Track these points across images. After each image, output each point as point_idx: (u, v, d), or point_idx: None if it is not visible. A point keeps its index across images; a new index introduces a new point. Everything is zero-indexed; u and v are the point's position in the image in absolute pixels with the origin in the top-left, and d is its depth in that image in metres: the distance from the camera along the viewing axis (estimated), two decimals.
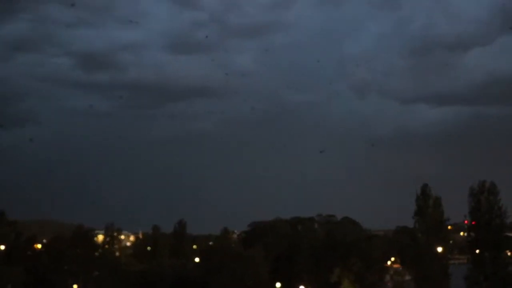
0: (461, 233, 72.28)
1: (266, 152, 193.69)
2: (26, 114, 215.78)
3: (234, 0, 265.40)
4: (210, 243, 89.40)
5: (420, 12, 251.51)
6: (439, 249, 60.92)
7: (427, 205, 61.46)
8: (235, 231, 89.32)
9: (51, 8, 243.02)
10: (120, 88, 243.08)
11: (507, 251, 62.33)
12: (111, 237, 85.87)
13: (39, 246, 77.53)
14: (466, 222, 64.30)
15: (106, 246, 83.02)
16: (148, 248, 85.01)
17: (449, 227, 69.51)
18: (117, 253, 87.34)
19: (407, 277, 63.96)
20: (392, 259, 70.67)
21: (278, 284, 62.01)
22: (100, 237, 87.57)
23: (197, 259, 77.39)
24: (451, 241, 67.92)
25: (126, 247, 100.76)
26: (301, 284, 60.48)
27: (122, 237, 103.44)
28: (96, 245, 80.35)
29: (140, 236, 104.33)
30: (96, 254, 77.15)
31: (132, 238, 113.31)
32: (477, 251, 60.57)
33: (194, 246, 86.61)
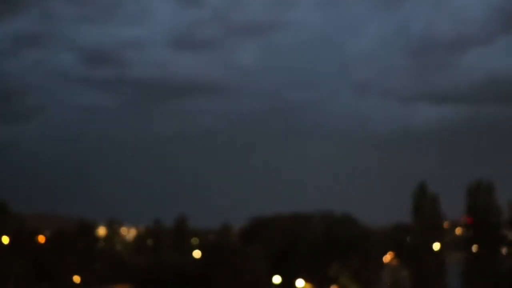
0: (458, 231, 73.20)
1: (267, 148, 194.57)
2: (31, 109, 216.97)
3: None
4: (211, 236, 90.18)
5: (421, 12, 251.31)
6: (436, 246, 61.85)
7: (424, 202, 62.34)
8: (235, 224, 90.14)
9: (57, 4, 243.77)
10: (125, 84, 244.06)
11: (503, 247, 63.20)
12: (113, 231, 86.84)
13: (42, 239, 78.47)
14: (463, 219, 65.31)
15: (107, 240, 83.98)
16: (149, 242, 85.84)
17: (446, 224, 70.44)
18: (118, 247, 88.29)
19: (404, 274, 64.81)
20: (389, 255, 71.62)
21: (277, 277, 62.66)
22: (102, 230, 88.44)
23: (197, 254, 78.27)
24: (447, 238, 68.77)
25: (127, 240, 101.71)
26: (299, 278, 61.38)
27: (124, 230, 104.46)
28: (97, 239, 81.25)
29: (141, 229, 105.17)
30: (97, 247, 78.13)
31: (133, 231, 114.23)
32: (473, 248, 61.58)
33: (194, 241, 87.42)
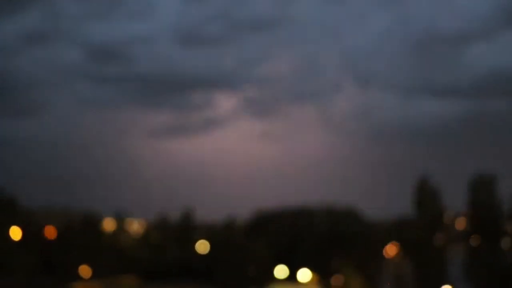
0: (460, 224, 73.83)
1: (269, 141, 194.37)
2: (38, 105, 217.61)
3: None
4: (216, 227, 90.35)
5: (424, 6, 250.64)
6: (438, 239, 62.57)
7: (426, 196, 62.99)
8: (240, 216, 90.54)
9: (64, 0, 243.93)
10: (131, 80, 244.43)
11: (505, 240, 63.81)
12: (119, 224, 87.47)
13: (51, 233, 79.29)
14: (465, 213, 65.99)
15: (114, 233, 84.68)
16: (155, 235, 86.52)
17: (448, 217, 71.03)
18: (124, 241, 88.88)
19: (406, 267, 65.43)
20: (391, 249, 72.26)
21: (282, 268, 63.13)
22: (108, 224, 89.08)
23: (203, 248, 78.86)
24: (449, 231, 69.37)
25: (133, 234, 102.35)
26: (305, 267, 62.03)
27: (132, 223, 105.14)
28: (103, 233, 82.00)
29: (148, 223, 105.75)
30: (104, 240, 78.90)
31: (139, 224, 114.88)
32: (475, 241, 62.29)
33: (200, 234, 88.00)
